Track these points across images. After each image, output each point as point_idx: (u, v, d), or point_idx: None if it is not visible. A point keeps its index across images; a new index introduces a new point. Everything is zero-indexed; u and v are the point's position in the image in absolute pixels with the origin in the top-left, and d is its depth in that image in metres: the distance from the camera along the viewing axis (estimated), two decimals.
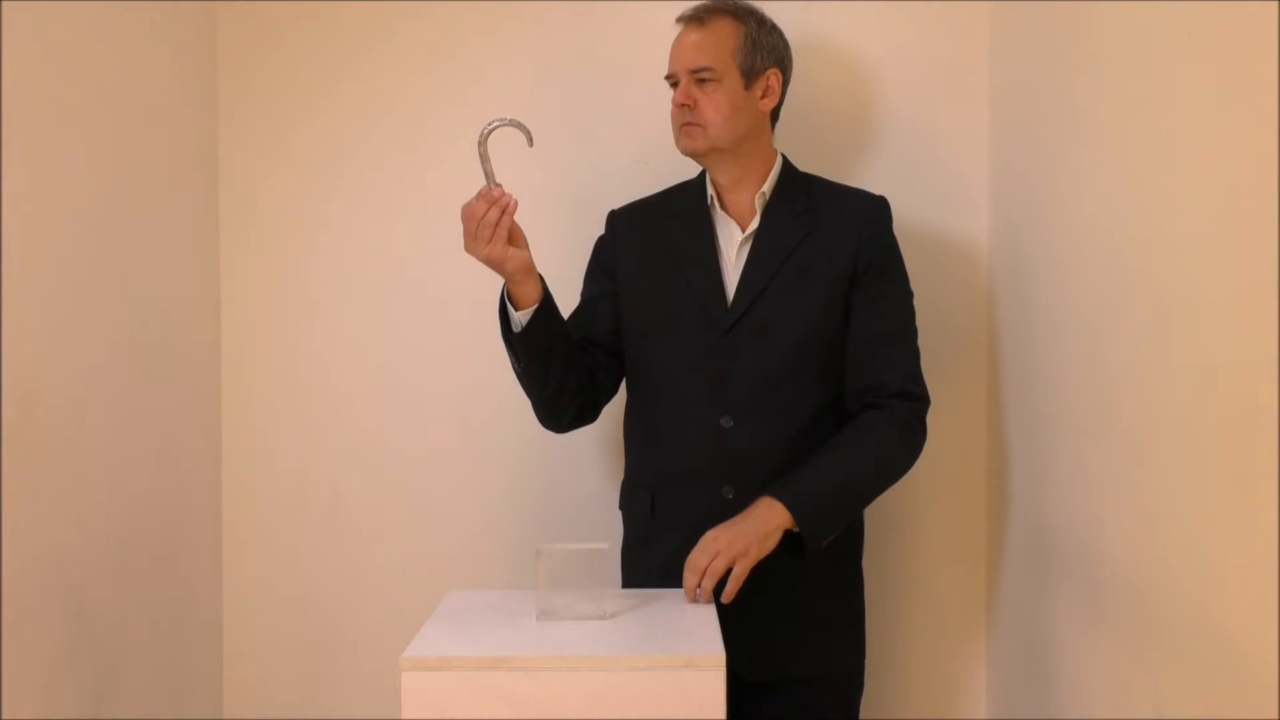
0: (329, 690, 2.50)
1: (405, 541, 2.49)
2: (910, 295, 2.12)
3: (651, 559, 2.03)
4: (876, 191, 2.43)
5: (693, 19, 2.07)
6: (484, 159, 1.87)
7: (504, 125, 1.88)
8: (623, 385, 2.20)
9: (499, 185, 1.87)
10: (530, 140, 1.91)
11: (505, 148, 1.98)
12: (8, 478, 1.77)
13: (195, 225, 2.42)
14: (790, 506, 1.90)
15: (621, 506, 2.19)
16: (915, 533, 2.44)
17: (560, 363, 2.00)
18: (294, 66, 2.48)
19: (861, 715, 2.41)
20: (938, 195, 2.42)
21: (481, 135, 1.86)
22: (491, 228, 1.86)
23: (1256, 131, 1.26)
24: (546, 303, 1.97)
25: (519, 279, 1.93)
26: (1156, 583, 1.54)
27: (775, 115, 2.15)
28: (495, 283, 2.18)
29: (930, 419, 2.41)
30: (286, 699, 2.50)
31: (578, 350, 2.06)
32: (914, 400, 2.07)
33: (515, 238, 1.91)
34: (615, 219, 2.19)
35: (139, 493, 2.18)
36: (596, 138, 2.45)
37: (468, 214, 1.87)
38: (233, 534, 2.50)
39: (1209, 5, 1.39)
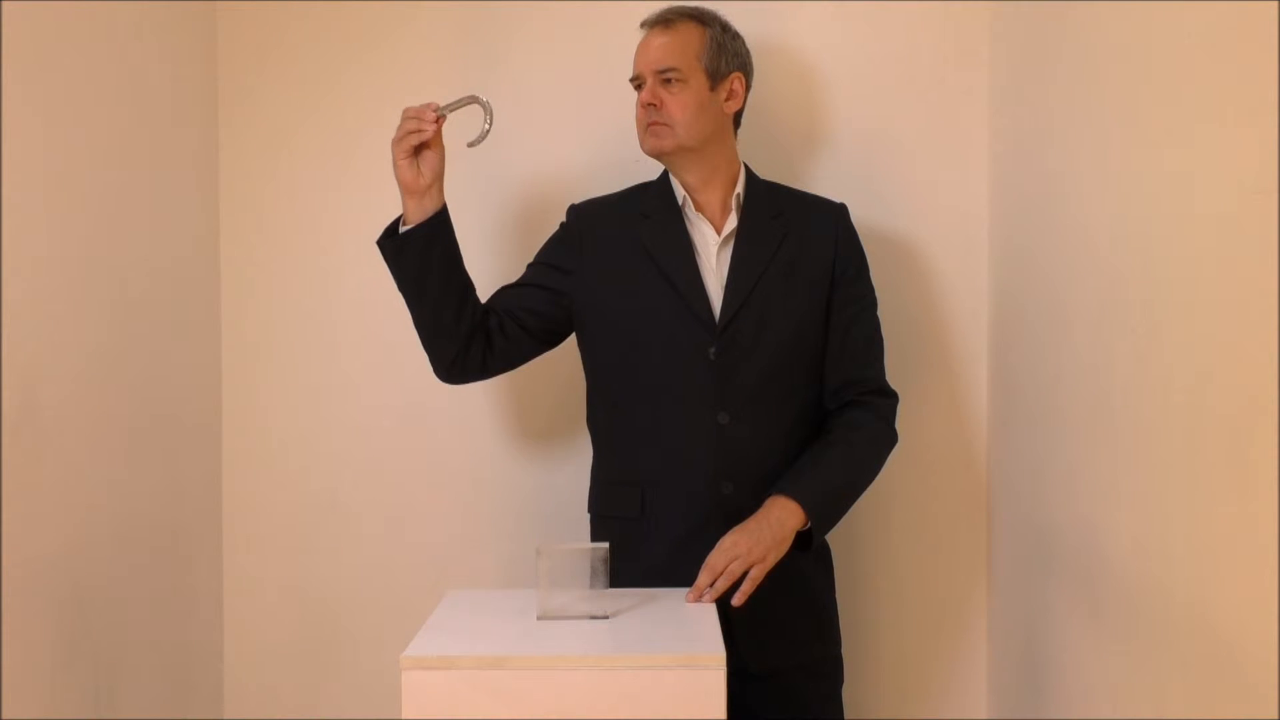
0: (329, 690, 2.50)
1: (405, 541, 2.49)
2: (876, 298, 2.19)
3: (644, 558, 2.02)
4: (877, 192, 2.44)
5: (658, 23, 2.11)
6: (460, 103, 2.00)
7: (466, 104, 1.99)
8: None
9: (441, 113, 1.97)
10: (486, 121, 1.99)
11: (501, 147, 2.02)
12: (8, 477, 1.77)
13: (195, 225, 2.42)
14: (806, 507, 1.95)
15: (595, 508, 2.17)
16: (915, 533, 2.45)
17: (438, 289, 2.01)
18: (294, 66, 2.48)
19: (862, 715, 2.42)
20: (938, 195, 2.43)
21: (441, 109, 1.98)
22: (403, 125, 1.96)
23: (1256, 131, 1.26)
24: (428, 228, 1.99)
25: (407, 190, 1.98)
26: (1157, 582, 1.54)
27: (737, 121, 2.17)
28: (492, 283, 2.20)
29: (930, 419, 2.43)
30: (286, 699, 2.50)
31: (472, 295, 2.06)
32: (890, 396, 2.15)
33: (428, 164, 1.98)
34: (581, 215, 2.17)
35: (139, 492, 2.18)
36: (598, 138, 2.45)
37: (403, 113, 1.98)
38: (233, 534, 2.50)
39: (1209, 5, 1.39)
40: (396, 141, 1.97)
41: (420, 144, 1.97)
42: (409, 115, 1.97)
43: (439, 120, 1.96)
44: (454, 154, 2.04)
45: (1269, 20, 1.23)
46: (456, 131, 2.03)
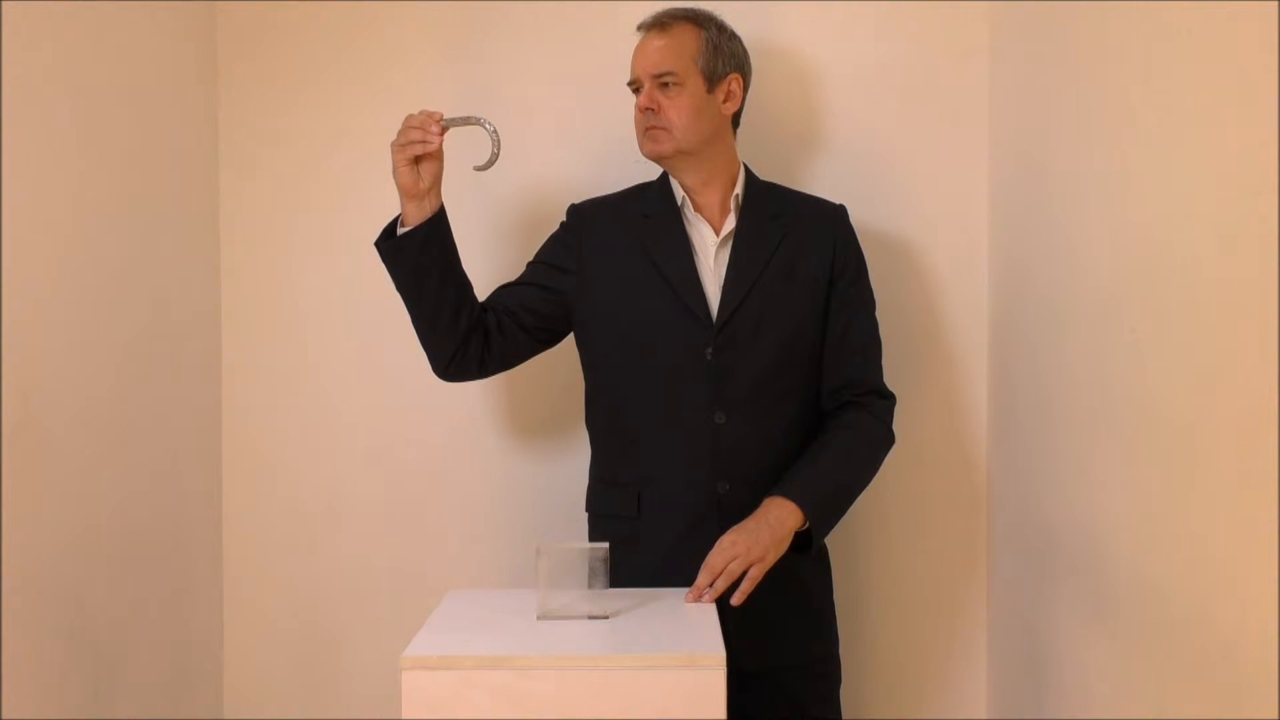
0: (329, 690, 2.50)
1: (405, 541, 2.49)
2: (874, 299, 2.19)
3: (641, 557, 2.02)
4: (876, 193, 2.44)
5: (654, 25, 2.11)
6: (465, 121, 1.99)
7: (470, 124, 1.99)
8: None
9: (445, 126, 1.97)
10: (494, 146, 1.99)
11: (507, 147, 2.03)
12: (8, 478, 1.77)
13: (195, 225, 2.42)
14: (804, 508, 1.95)
15: (592, 508, 2.17)
16: (915, 532, 2.45)
17: (436, 289, 2.01)
18: (294, 67, 2.48)
19: (861, 715, 2.42)
20: (938, 196, 2.43)
21: (445, 121, 1.97)
22: (406, 134, 1.95)
23: (1256, 131, 1.26)
24: (427, 229, 1.99)
25: (406, 195, 1.98)
26: (1157, 582, 1.54)
27: (736, 121, 2.17)
28: (492, 283, 2.20)
29: (930, 419, 2.43)
30: (286, 699, 2.50)
31: (470, 294, 2.06)
32: (888, 398, 2.16)
33: (428, 169, 1.98)
34: (580, 215, 2.18)
35: (139, 493, 2.18)
36: (598, 138, 2.45)
37: (406, 121, 1.98)
38: (233, 534, 2.50)
39: (1209, 5, 1.39)
40: (398, 148, 1.97)
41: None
42: (412, 125, 1.96)
43: (442, 132, 1.96)
44: (453, 154, 2.04)
45: (1269, 20, 1.23)
46: (458, 139, 2.03)
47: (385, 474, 2.49)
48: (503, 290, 2.16)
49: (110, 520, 2.08)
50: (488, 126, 1.99)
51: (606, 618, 1.73)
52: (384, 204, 2.08)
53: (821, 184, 2.38)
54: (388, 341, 2.44)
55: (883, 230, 2.40)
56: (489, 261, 2.38)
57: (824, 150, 2.44)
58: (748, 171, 2.17)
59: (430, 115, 1.96)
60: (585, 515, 2.19)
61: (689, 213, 2.12)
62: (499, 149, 2.00)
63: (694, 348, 2.05)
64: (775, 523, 1.92)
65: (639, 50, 2.11)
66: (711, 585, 1.86)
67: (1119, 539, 1.67)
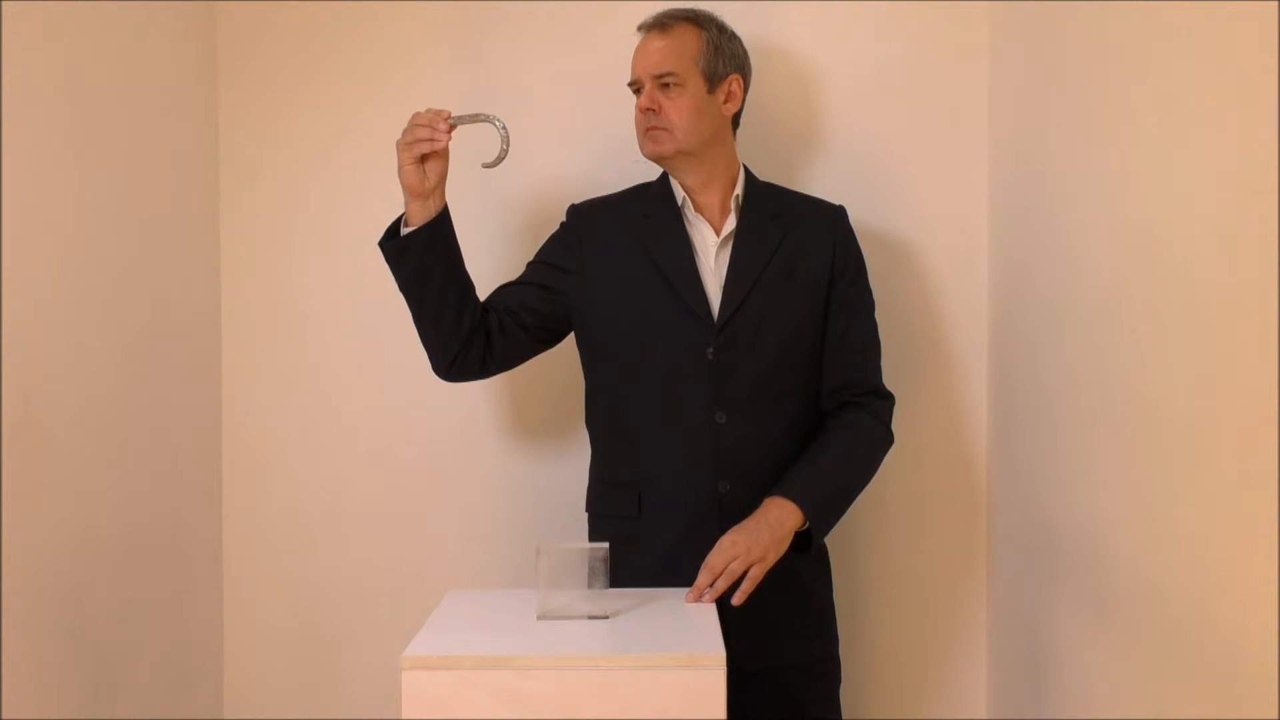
0: (329, 690, 2.50)
1: (405, 541, 2.49)
2: (874, 299, 2.19)
3: (641, 557, 2.03)
4: (876, 193, 2.44)
5: (655, 26, 2.11)
6: (474, 118, 1.98)
7: (479, 121, 1.97)
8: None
9: (454, 124, 1.95)
10: (504, 144, 1.97)
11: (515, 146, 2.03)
12: (8, 478, 1.77)
13: (195, 225, 2.42)
14: (804, 508, 1.95)
15: (592, 508, 2.18)
16: (915, 532, 2.45)
17: (439, 289, 2.01)
18: (294, 66, 2.48)
19: (861, 715, 2.42)
20: (938, 196, 2.43)
21: (454, 119, 1.96)
22: (413, 131, 1.94)
23: (1256, 131, 1.26)
24: (430, 229, 1.99)
25: (412, 193, 1.98)
26: (1157, 582, 1.54)
27: (736, 122, 2.17)
28: (493, 283, 2.20)
29: (930, 419, 2.43)
30: (286, 699, 2.50)
31: (473, 295, 2.06)
32: (886, 398, 2.16)
33: (434, 168, 1.97)
34: (581, 215, 2.18)
35: (139, 493, 2.18)
36: (598, 138, 2.45)
37: (413, 119, 1.97)
38: (233, 534, 2.50)
39: (1209, 5, 1.39)
40: (405, 146, 1.96)
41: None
42: (420, 123, 1.95)
43: (450, 130, 1.96)
44: (454, 154, 2.04)
45: (1269, 20, 1.23)
46: (462, 139, 2.03)
47: (385, 474, 2.49)
48: (503, 290, 2.16)
49: (110, 520, 2.08)
50: (497, 124, 1.98)
51: (606, 618, 1.73)
52: (385, 204, 2.08)
53: (821, 184, 2.38)
54: (388, 341, 2.44)
55: (882, 230, 2.40)
56: (491, 261, 2.38)
57: (824, 150, 2.44)
58: (748, 172, 2.17)
59: (438, 113, 1.96)
60: (585, 515, 2.19)
61: (689, 213, 2.12)
62: (508, 146, 1.99)
63: (695, 347, 2.05)
64: (775, 523, 1.93)
65: (639, 51, 2.11)
66: (712, 585, 1.87)
67: (1119, 539, 1.67)
